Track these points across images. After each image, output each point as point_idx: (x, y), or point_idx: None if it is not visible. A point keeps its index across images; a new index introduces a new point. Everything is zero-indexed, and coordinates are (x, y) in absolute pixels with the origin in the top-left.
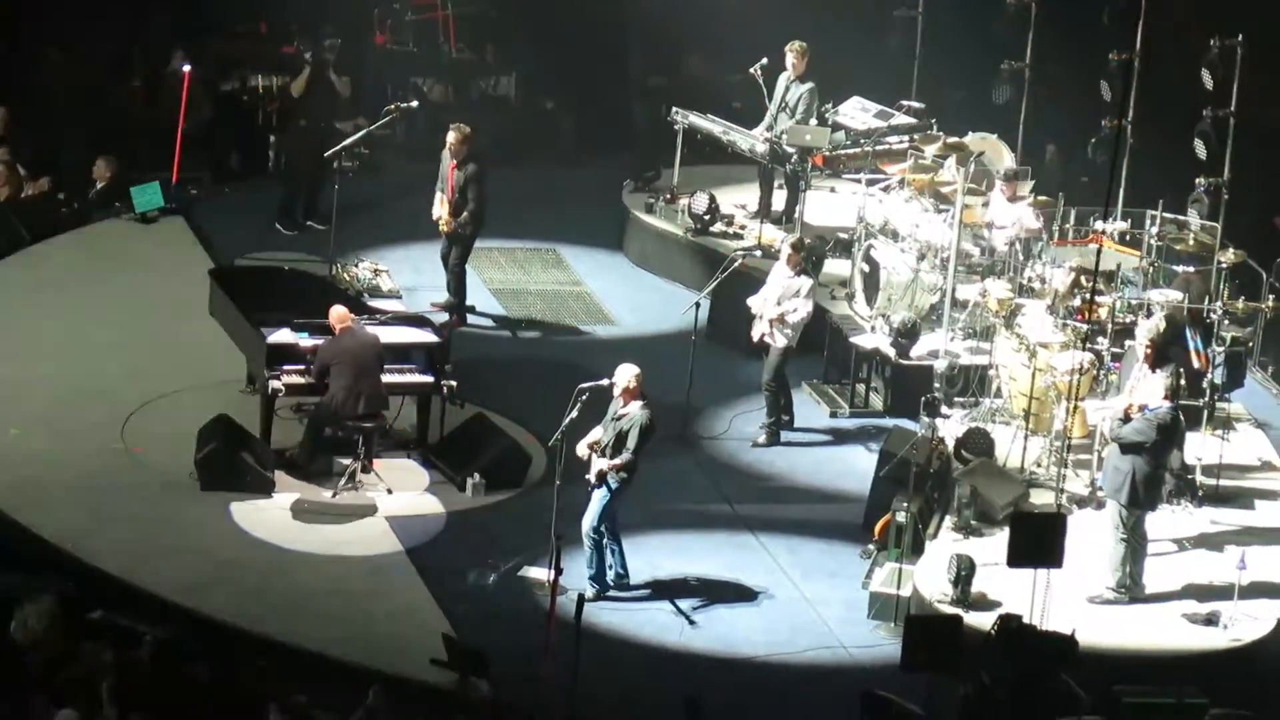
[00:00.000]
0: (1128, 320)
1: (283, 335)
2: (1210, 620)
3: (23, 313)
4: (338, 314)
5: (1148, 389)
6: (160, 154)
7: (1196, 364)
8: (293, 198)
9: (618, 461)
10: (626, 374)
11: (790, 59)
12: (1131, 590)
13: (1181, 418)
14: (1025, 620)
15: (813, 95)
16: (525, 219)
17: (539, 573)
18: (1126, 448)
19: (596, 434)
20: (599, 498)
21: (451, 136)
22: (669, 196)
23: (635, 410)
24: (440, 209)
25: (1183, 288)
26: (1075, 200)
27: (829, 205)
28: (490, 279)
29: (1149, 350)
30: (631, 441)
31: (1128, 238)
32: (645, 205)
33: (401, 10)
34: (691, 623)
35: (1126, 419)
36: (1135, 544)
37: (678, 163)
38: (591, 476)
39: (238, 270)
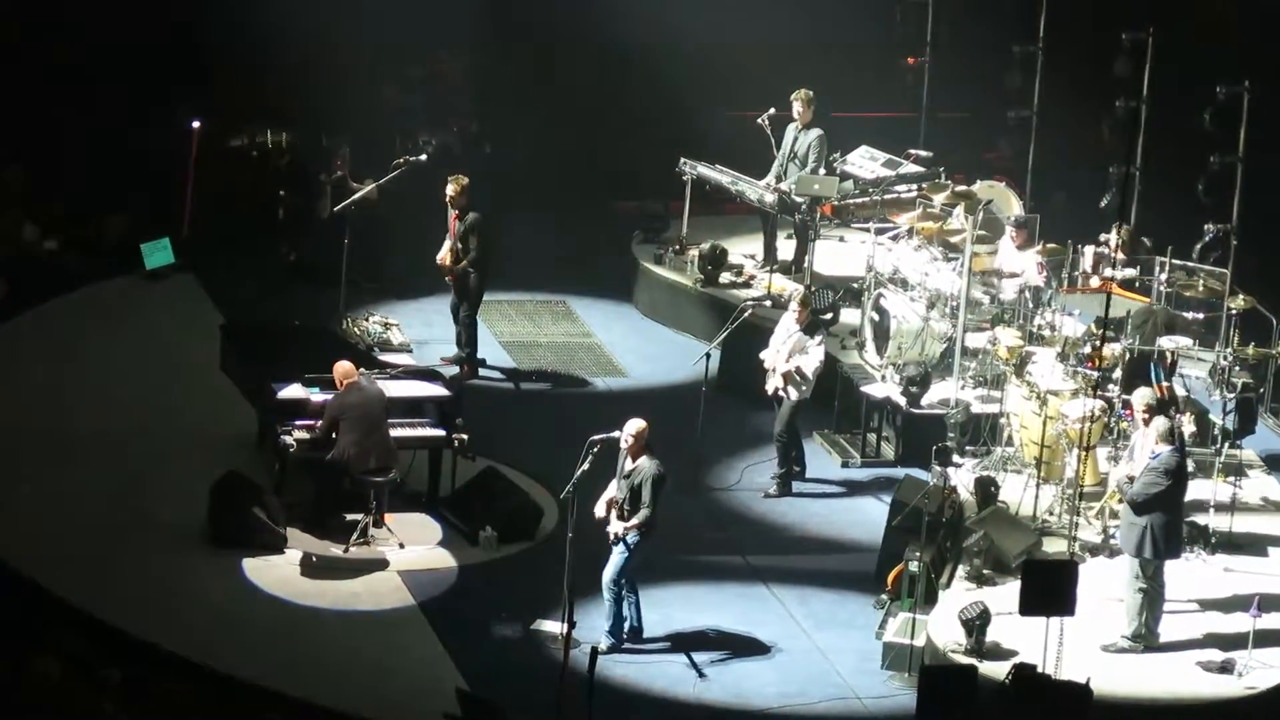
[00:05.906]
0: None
1: (293, 391)
2: (1225, 668)
3: (35, 370)
4: (343, 369)
5: (1149, 443)
6: (171, 210)
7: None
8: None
9: (636, 521)
10: (633, 428)
11: (797, 107)
12: (1146, 639)
13: (1185, 461)
14: (1039, 670)
15: (822, 143)
16: (534, 271)
17: (552, 626)
18: (1141, 507)
19: (612, 491)
20: (619, 552)
21: (450, 188)
22: (678, 247)
23: (645, 464)
24: (443, 253)
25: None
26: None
27: (838, 254)
28: (500, 331)
29: (1145, 416)
30: (646, 496)
31: (1136, 284)
32: (654, 256)
33: (407, 64)
34: (704, 675)
35: (1131, 482)
36: (1153, 592)
37: (686, 213)
38: (611, 534)
39: (248, 326)
